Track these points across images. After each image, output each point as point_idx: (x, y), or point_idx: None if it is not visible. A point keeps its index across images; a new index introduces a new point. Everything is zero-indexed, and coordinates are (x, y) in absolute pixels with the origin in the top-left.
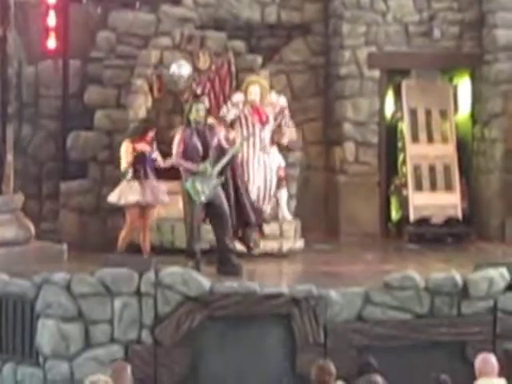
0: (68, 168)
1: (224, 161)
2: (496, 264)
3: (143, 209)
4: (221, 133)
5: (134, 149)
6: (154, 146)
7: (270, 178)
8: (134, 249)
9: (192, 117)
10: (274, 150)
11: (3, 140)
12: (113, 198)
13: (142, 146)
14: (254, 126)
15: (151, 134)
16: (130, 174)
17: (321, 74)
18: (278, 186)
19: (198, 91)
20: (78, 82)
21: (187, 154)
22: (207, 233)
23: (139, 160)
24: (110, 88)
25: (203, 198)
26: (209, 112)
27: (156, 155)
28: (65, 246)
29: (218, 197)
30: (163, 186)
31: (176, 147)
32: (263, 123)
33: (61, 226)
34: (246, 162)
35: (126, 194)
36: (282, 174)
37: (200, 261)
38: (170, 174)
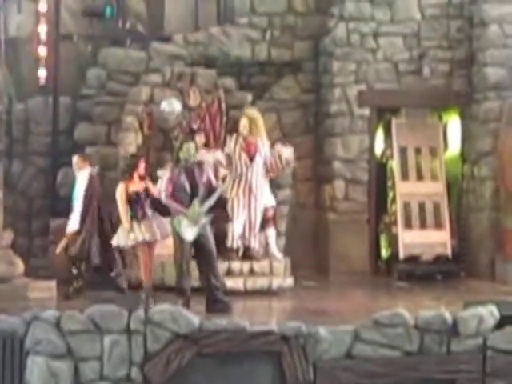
0: (58, 205)
1: (212, 200)
2: (485, 302)
3: (143, 246)
4: (209, 170)
5: (127, 191)
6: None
7: (255, 216)
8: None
9: (182, 155)
10: (265, 187)
11: None
12: (116, 241)
13: (135, 187)
14: (245, 163)
15: (142, 166)
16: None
17: (311, 111)
18: (266, 225)
19: (195, 126)
20: (68, 119)
21: (176, 193)
22: (196, 270)
23: (135, 200)
24: (100, 125)
25: (191, 237)
26: (202, 147)
27: (150, 186)
28: (54, 283)
29: (205, 236)
30: (163, 220)
31: (165, 187)
32: (251, 156)
33: (50, 262)
34: (231, 200)
35: (127, 235)
36: (270, 214)
37: (190, 298)
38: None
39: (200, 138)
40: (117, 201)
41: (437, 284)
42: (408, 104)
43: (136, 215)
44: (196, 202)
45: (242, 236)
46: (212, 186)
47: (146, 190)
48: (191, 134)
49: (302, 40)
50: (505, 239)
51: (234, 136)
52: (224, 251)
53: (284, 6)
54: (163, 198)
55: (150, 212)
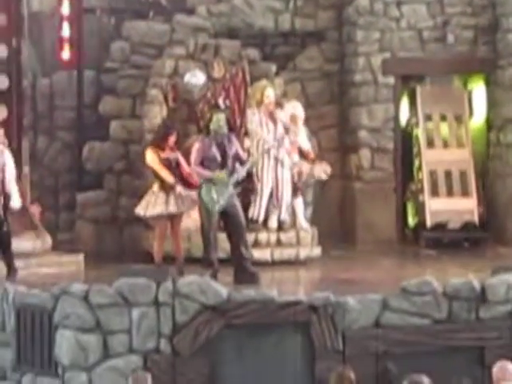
0: (84, 179)
1: (241, 172)
2: None
3: (171, 218)
4: (238, 142)
5: (160, 157)
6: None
7: (282, 183)
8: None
9: (212, 126)
10: (295, 156)
11: (19, 151)
12: (139, 210)
13: (167, 154)
14: (268, 129)
15: (173, 139)
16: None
17: (335, 81)
18: (294, 195)
19: (221, 104)
20: (92, 93)
21: (205, 163)
22: (224, 241)
23: (165, 168)
24: (125, 98)
25: (218, 207)
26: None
27: (181, 159)
28: (82, 257)
29: (234, 206)
30: (191, 193)
31: (194, 156)
32: (275, 125)
33: (77, 236)
34: (259, 168)
35: (150, 205)
36: (299, 184)
37: (217, 269)
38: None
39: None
40: (149, 166)
41: (464, 251)
42: (433, 72)
43: (164, 185)
44: (225, 172)
45: (268, 206)
46: (241, 159)
47: (177, 160)
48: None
49: (325, 9)
50: None
51: (255, 108)
52: (247, 222)
53: None
54: (192, 166)
55: (177, 183)
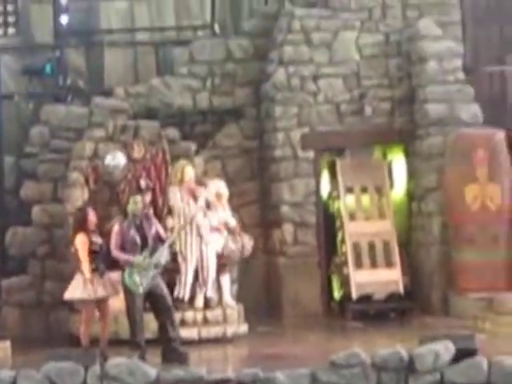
0: (7, 264)
1: (161, 251)
2: (440, 337)
3: (98, 302)
4: (157, 222)
5: (90, 242)
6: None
7: (207, 261)
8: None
9: (129, 208)
10: (221, 232)
11: None
12: (66, 294)
13: (96, 238)
14: (189, 206)
15: (92, 216)
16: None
17: (255, 157)
18: (221, 273)
19: (143, 185)
20: (13, 178)
21: (125, 246)
22: (151, 322)
23: (93, 252)
24: (46, 182)
25: (141, 290)
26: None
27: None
28: (8, 343)
29: (158, 286)
30: (116, 277)
31: (114, 240)
32: (196, 201)
33: (3, 322)
34: (183, 247)
35: (78, 290)
36: (225, 261)
37: (145, 350)
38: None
39: (148, 197)
40: (77, 252)
41: (391, 322)
42: (352, 144)
43: (94, 269)
44: (145, 253)
45: (194, 285)
46: (162, 238)
47: (107, 242)
48: (139, 191)
49: (242, 87)
50: (456, 273)
51: (175, 185)
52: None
53: (223, 54)
54: (112, 250)
55: (103, 266)
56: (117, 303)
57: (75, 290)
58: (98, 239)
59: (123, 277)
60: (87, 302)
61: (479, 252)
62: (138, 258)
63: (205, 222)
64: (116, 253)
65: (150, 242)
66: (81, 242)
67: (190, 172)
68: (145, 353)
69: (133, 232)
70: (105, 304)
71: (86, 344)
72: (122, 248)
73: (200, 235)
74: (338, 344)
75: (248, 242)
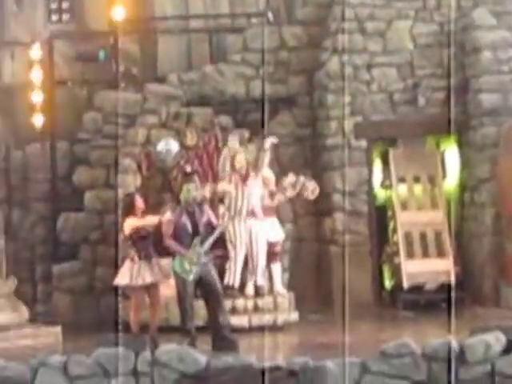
0: (59, 250)
1: (212, 239)
2: (491, 328)
3: (148, 288)
4: (209, 210)
5: (139, 227)
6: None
7: (257, 248)
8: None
9: (183, 197)
10: (273, 220)
11: None
12: (117, 280)
13: (145, 222)
14: (242, 193)
15: (140, 205)
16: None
17: (308, 145)
18: (272, 260)
19: (188, 169)
20: (66, 164)
21: (177, 233)
22: (201, 309)
23: (142, 238)
24: (99, 168)
25: (191, 277)
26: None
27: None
28: (59, 328)
29: (209, 274)
30: (165, 263)
31: (166, 227)
32: (248, 188)
33: (54, 308)
34: (232, 234)
35: (127, 276)
36: (276, 249)
37: (195, 338)
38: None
39: (196, 182)
40: (126, 238)
41: (442, 312)
42: (404, 134)
43: (142, 254)
44: (196, 242)
45: (244, 272)
46: (212, 226)
47: (156, 227)
48: (185, 176)
49: (295, 75)
50: (508, 264)
51: (228, 170)
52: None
53: (276, 42)
54: (164, 239)
55: (154, 252)
56: (168, 290)
57: (124, 276)
58: (146, 225)
59: (174, 264)
60: (136, 288)
61: None
62: (189, 252)
63: (258, 209)
64: (168, 241)
65: (202, 229)
66: (129, 228)
67: (242, 159)
68: (195, 340)
69: (184, 219)
70: (155, 290)
71: (136, 330)
72: (174, 235)
73: (250, 222)
74: (388, 334)
75: (312, 185)
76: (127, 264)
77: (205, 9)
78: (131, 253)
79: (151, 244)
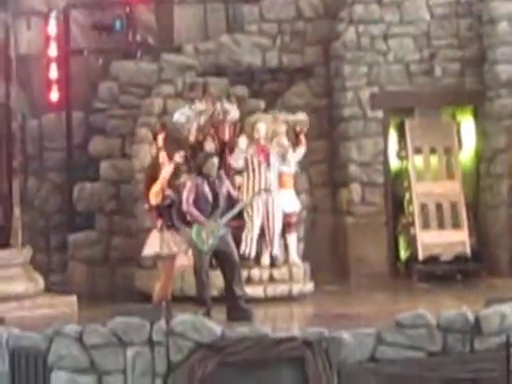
0: (75, 220)
1: (232, 213)
2: (507, 299)
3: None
4: (228, 182)
5: (164, 196)
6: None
7: (273, 222)
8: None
9: (205, 170)
10: (290, 192)
11: (10, 194)
12: (151, 249)
13: (168, 192)
14: (259, 166)
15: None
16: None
17: (324, 116)
18: (288, 231)
19: (211, 144)
20: (81, 134)
21: (198, 203)
22: (216, 278)
23: (167, 207)
24: (114, 138)
25: (208, 248)
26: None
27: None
28: (75, 298)
29: (227, 244)
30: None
31: (186, 195)
32: (267, 160)
33: (70, 277)
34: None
35: (157, 245)
36: (292, 220)
37: (210, 308)
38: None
39: (209, 145)
40: (152, 208)
41: (457, 283)
42: (421, 104)
43: (168, 225)
44: (217, 213)
45: (260, 242)
46: (232, 198)
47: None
48: (199, 145)
49: (312, 45)
50: None
51: (246, 141)
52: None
53: (293, 12)
54: (184, 205)
55: (178, 222)
56: (183, 260)
57: (153, 246)
58: (170, 193)
59: (192, 234)
60: (165, 257)
61: None
62: (209, 222)
63: (274, 179)
64: (190, 208)
65: (222, 202)
66: (154, 195)
67: (261, 129)
68: (210, 310)
69: (206, 189)
70: (173, 260)
71: (159, 300)
72: (195, 205)
73: (267, 193)
74: (403, 305)
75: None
76: (154, 234)
77: None
78: (159, 223)
79: (175, 214)
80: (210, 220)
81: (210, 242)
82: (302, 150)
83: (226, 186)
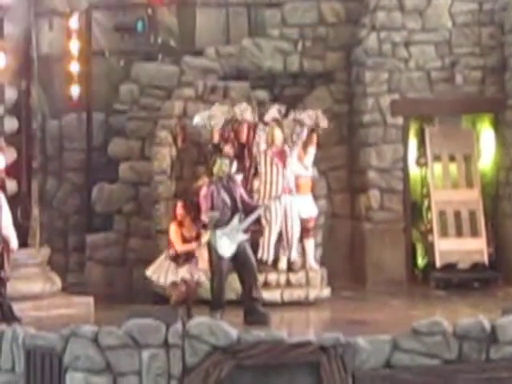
0: (93, 221)
1: (251, 219)
2: None
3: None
4: (241, 186)
5: (184, 237)
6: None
7: (291, 227)
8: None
9: (216, 170)
10: (307, 197)
11: (28, 194)
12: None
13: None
14: (277, 168)
15: (180, 212)
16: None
17: (344, 121)
18: (306, 236)
19: (222, 144)
20: (101, 135)
21: (215, 207)
22: (233, 282)
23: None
24: (134, 140)
25: (228, 254)
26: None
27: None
28: (91, 299)
29: (244, 249)
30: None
31: (204, 202)
32: (284, 165)
33: (87, 278)
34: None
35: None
36: (310, 225)
37: (224, 311)
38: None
39: (228, 149)
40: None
41: (474, 292)
42: (441, 112)
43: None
44: (236, 219)
45: (278, 247)
46: (246, 202)
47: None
48: (216, 149)
49: (333, 51)
50: None
51: (264, 146)
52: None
53: (315, 17)
54: (203, 213)
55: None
56: (201, 264)
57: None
58: (190, 232)
59: (210, 238)
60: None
61: None
62: (228, 227)
63: (293, 184)
64: (209, 214)
65: (240, 205)
66: (173, 232)
67: (279, 135)
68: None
69: (223, 193)
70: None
71: (177, 304)
72: (213, 209)
73: (284, 198)
74: (420, 312)
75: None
76: (161, 260)
77: None
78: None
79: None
80: (230, 225)
81: (232, 247)
82: (312, 149)
83: (239, 190)
